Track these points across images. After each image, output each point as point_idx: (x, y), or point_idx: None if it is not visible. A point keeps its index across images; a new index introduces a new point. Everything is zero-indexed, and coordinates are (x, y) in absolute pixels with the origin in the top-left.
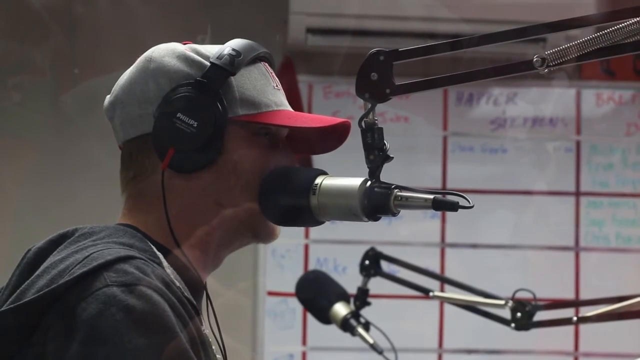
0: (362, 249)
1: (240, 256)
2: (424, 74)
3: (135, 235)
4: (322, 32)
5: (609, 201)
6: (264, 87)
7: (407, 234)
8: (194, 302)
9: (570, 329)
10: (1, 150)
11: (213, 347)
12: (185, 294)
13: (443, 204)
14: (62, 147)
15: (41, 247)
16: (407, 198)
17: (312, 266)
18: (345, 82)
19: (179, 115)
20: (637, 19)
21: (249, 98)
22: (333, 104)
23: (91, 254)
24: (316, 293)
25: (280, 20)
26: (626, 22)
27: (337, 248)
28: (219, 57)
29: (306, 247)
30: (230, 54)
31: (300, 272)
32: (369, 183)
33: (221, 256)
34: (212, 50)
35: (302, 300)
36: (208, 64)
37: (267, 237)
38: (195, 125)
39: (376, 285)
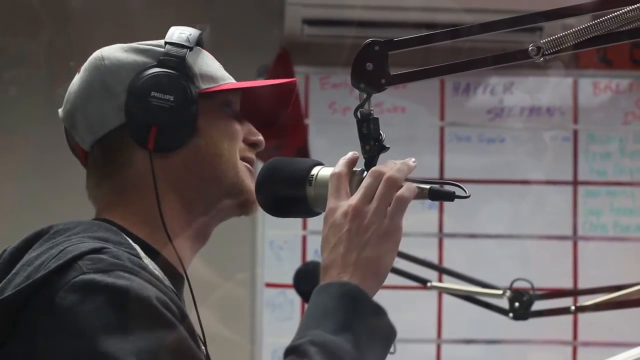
0: None
1: (238, 248)
2: (423, 64)
3: (110, 229)
4: (319, 22)
5: (607, 190)
6: (215, 64)
7: (405, 224)
8: (175, 291)
9: (568, 318)
10: None
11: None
12: (166, 282)
13: (440, 194)
14: (58, 141)
15: (17, 246)
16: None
17: (310, 257)
18: (342, 73)
19: (153, 94)
20: (634, 6)
21: (208, 73)
22: (330, 95)
23: (65, 247)
24: (314, 284)
25: (276, 12)
26: (622, 9)
27: None
28: (171, 36)
29: (304, 238)
30: (181, 33)
31: (298, 264)
32: (365, 174)
33: (209, 232)
34: (155, 42)
35: (301, 292)
36: (161, 49)
37: (252, 205)
38: (172, 99)
39: None
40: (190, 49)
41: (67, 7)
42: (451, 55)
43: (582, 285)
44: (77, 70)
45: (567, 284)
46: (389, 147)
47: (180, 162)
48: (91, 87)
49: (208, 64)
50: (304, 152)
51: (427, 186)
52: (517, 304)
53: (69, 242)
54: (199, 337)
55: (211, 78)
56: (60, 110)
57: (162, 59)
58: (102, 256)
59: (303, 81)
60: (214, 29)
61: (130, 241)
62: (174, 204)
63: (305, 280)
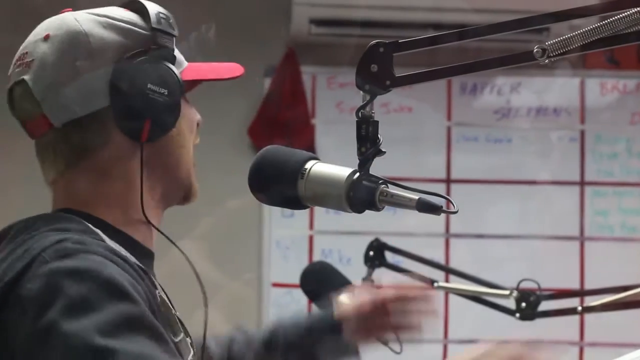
0: (367, 240)
1: (244, 248)
2: (430, 64)
3: (72, 219)
4: (326, 22)
5: (614, 190)
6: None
7: (411, 224)
8: (144, 268)
9: (575, 318)
10: (2, 144)
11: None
12: (131, 259)
13: (427, 206)
14: None
15: None
16: (392, 195)
17: (316, 257)
18: (349, 73)
19: (149, 86)
20: None
21: (179, 57)
22: (337, 95)
23: (29, 246)
24: (321, 284)
25: (283, 11)
26: (630, 11)
27: (341, 239)
28: (158, 22)
29: (311, 238)
30: (163, 17)
31: (304, 264)
32: (357, 175)
33: (161, 216)
34: (121, 15)
35: (307, 292)
36: (144, 31)
37: (194, 196)
38: (166, 93)
39: (381, 276)
40: (176, 36)
41: (73, 6)
42: (458, 55)
43: (589, 285)
44: (45, 37)
45: (574, 285)
46: (385, 152)
47: (154, 151)
48: (74, 64)
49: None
50: (311, 152)
51: (416, 197)
52: (524, 304)
53: (32, 241)
54: (177, 318)
55: (180, 63)
56: (25, 77)
57: (154, 50)
58: (64, 244)
59: (310, 81)
60: (221, 28)
61: (91, 226)
62: (142, 189)
63: (312, 280)
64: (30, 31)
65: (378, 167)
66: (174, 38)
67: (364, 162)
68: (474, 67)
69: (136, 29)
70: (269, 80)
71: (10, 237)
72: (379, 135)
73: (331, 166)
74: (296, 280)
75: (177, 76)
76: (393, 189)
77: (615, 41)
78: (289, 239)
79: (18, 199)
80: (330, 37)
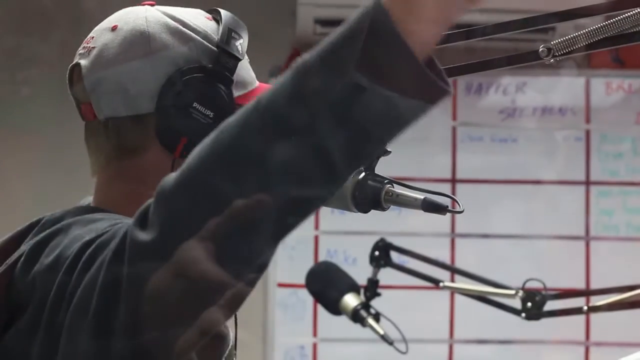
0: (372, 240)
1: None
2: None
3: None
4: (331, 22)
5: (619, 190)
6: (246, 64)
7: (417, 224)
8: None
9: (581, 318)
10: (9, 143)
11: None
12: None
13: (432, 206)
14: (70, 141)
15: (7, 239)
16: (397, 195)
17: (322, 257)
18: None
19: (195, 105)
20: None
21: (242, 79)
22: None
23: (76, 233)
24: (326, 284)
25: (289, 11)
26: (634, 10)
27: (347, 239)
28: (226, 42)
29: (316, 238)
30: (234, 37)
31: (310, 264)
32: (362, 175)
33: None
34: (198, 23)
35: (313, 292)
36: (211, 47)
37: None
38: (212, 116)
39: (386, 276)
40: (240, 60)
41: (80, 7)
42: (464, 54)
43: (594, 285)
44: (113, 28)
45: (580, 284)
46: (390, 152)
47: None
48: (130, 64)
49: (242, 65)
50: None
51: (421, 196)
52: (529, 304)
53: (77, 231)
54: None
55: (243, 84)
56: (83, 63)
57: (212, 69)
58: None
59: None
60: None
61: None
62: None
63: (318, 280)
64: (36, 32)
65: (383, 167)
66: (237, 61)
67: (370, 162)
68: (480, 67)
69: (204, 41)
70: (274, 80)
71: (38, 230)
72: None
73: None
74: (302, 280)
75: (227, 100)
76: (398, 189)
77: (620, 40)
78: (294, 239)
79: (21, 195)
80: None
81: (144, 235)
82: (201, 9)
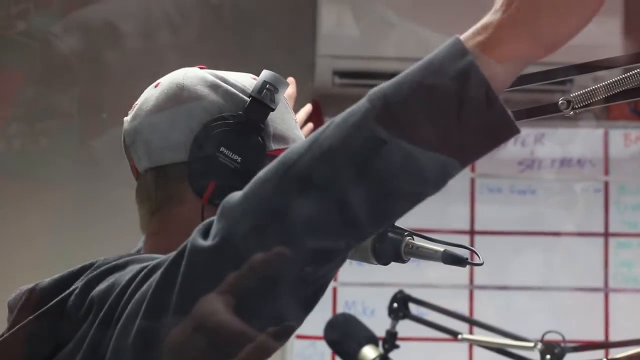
0: (391, 292)
1: None
2: None
3: None
4: (350, 74)
5: (638, 242)
6: (290, 121)
7: (435, 276)
8: None
9: None
10: (29, 194)
11: None
12: None
13: (452, 259)
14: (90, 192)
15: (47, 285)
16: (417, 247)
17: (340, 309)
18: None
19: (222, 149)
20: None
21: (280, 133)
22: None
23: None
24: (345, 336)
25: (307, 64)
26: None
27: (365, 291)
28: (259, 92)
29: (334, 290)
30: (269, 89)
31: (328, 315)
32: None
33: None
34: (238, 79)
35: (331, 344)
36: (245, 97)
37: None
38: (239, 161)
39: (405, 328)
40: (272, 109)
41: (101, 59)
42: None
43: (613, 337)
44: (156, 85)
45: (599, 336)
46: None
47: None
48: (162, 114)
49: (283, 120)
50: None
51: (441, 249)
52: (548, 357)
53: (134, 265)
54: None
55: (283, 139)
56: (126, 119)
57: (242, 115)
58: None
59: None
60: None
61: None
62: None
63: (336, 331)
64: (59, 85)
65: (402, 218)
66: (269, 109)
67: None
68: None
69: (238, 92)
70: None
71: (92, 270)
72: None
73: None
74: (320, 332)
75: (255, 147)
76: (418, 241)
77: (639, 93)
78: None
79: (43, 250)
80: (354, 88)
81: (205, 242)
82: (222, 64)
